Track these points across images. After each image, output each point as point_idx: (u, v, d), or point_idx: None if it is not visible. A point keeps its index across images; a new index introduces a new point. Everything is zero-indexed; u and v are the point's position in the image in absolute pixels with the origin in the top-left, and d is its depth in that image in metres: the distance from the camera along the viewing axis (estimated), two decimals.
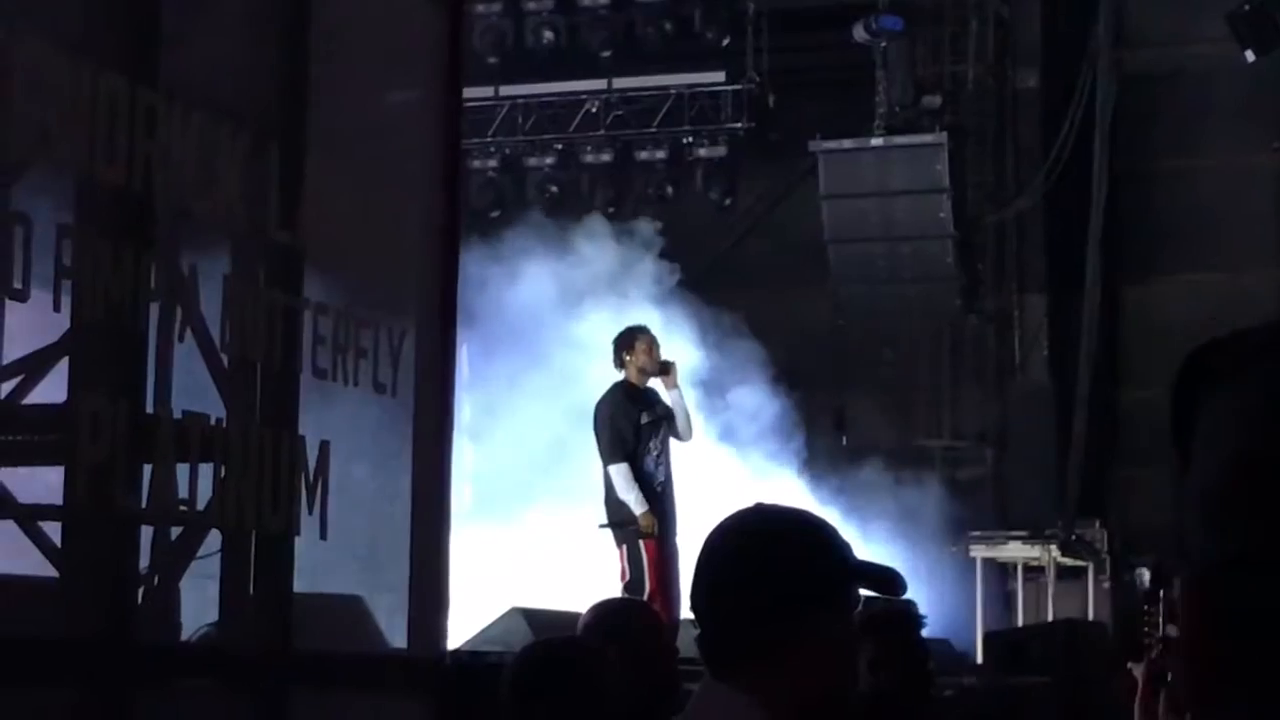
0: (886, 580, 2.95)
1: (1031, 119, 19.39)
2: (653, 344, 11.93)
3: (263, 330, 5.34)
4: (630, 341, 11.89)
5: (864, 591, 3.06)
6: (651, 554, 11.73)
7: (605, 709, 4.80)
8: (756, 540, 2.89)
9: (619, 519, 11.73)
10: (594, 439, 11.98)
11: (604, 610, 5.78)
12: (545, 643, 4.96)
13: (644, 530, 11.59)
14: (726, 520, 2.94)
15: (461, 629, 10.62)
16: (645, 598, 11.52)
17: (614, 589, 12.03)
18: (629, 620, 5.63)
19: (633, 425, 11.72)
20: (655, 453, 11.84)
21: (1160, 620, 4.90)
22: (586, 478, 15.46)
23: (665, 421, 11.96)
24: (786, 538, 2.89)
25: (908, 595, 3.55)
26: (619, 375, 12.01)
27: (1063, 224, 19.20)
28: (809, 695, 2.83)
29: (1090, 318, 18.89)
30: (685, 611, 11.11)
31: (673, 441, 12.08)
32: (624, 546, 11.79)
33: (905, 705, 6.68)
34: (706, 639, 2.88)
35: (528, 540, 14.74)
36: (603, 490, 11.94)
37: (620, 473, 11.68)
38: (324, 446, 5.55)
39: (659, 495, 11.77)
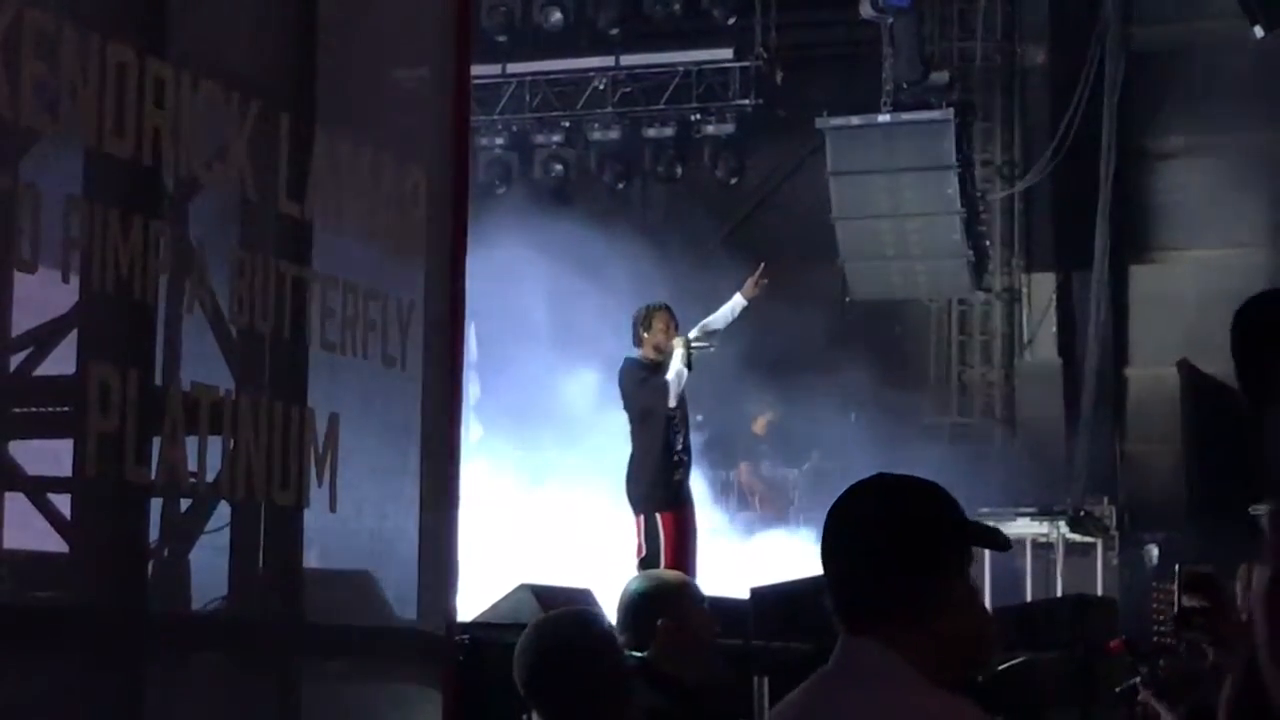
0: (997, 538, 3.22)
1: (1039, 96, 19.37)
2: (670, 323, 12.14)
3: (272, 302, 5.32)
4: (649, 320, 12.11)
5: None
6: (669, 528, 11.79)
7: (616, 682, 4.84)
8: (886, 505, 3.13)
9: (642, 489, 11.86)
10: (623, 413, 12.22)
11: (657, 582, 5.80)
12: (558, 616, 4.99)
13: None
14: (853, 488, 3.19)
15: (471, 605, 10.64)
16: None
17: (627, 564, 12.07)
18: (683, 593, 5.67)
19: (659, 395, 11.96)
20: (675, 425, 12.06)
21: (1176, 596, 4.90)
22: (600, 456, 15.46)
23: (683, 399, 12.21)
24: (913, 501, 3.13)
25: None
26: (634, 352, 12.24)
27: (1071, 201, 19.19)
28: (950, 645, 3.04)
29: (1098, 294, 18.88)
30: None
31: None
32: (641, 518, 11.88)
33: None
34: (843, 600, 3.10)
35: (537, 516, 14.76)
36: (625, 465, 12.11)
37: (676, 376, 11.92)
38: (333, 419, 5.53)
39: (677, 465, 11.96)
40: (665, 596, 5.67)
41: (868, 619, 3.05)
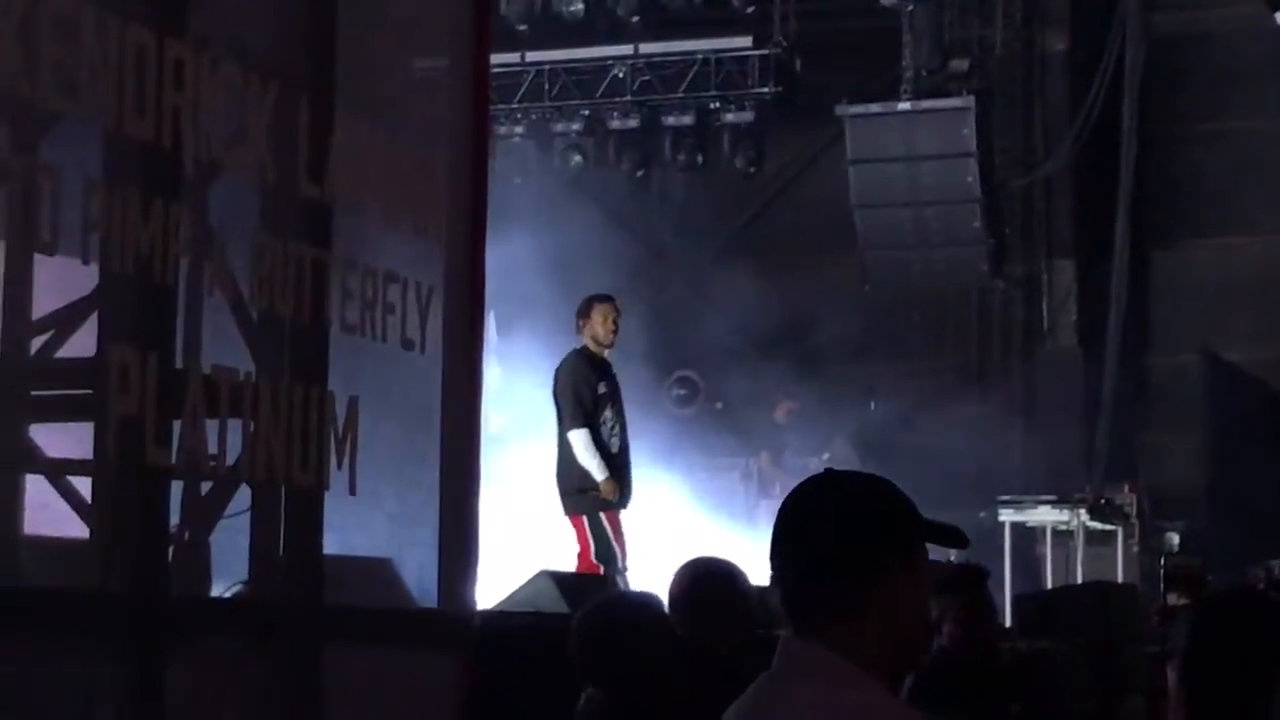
0: (952, 535, 3.15)
1: (1060, 82, 19.31)
2: (609, 314, 11.87)
3: (291, 285, 5.32)
4: (588, 310, 11.88)
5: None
6: (613, 523, 11.71)
7: (672, 662, 4.96)
8: (833, 501, 3.08)
9: (578, 487, 11.68)
10: (553, 405, 11.96)
11: (703, 570, 5.83)
12: (620, 597, 5.12)
13: (605, 496, 11.61)
14: (801, 485, 3.12)
15: (490, 592, 10.64)
16: (621, 568, 11.55)
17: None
18: (733, 580, 5.72)
19: (591, 392, 11.73)
20: (610, 424, 11.84)
21: (1161, 592, 4.93)
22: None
23: (620, 393, 11.96)
24: (861, 497, 3.08)
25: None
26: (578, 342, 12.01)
27: (1091, 188, 19.14)
28: (891, 644, 3.02)
29: (1119, 282, 18.83)
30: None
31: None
32: (583, 517, 11.69)
33: (978, 661, 6.70)
34: (790, 598, 3.07)
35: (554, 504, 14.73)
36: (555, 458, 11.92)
37: (581, 438, 11.68)
38: (353, 402, 5.54)
39: (612, 466, 11.75)
40: (724, 583, 5.73)
41: (811, 617, 3.04)
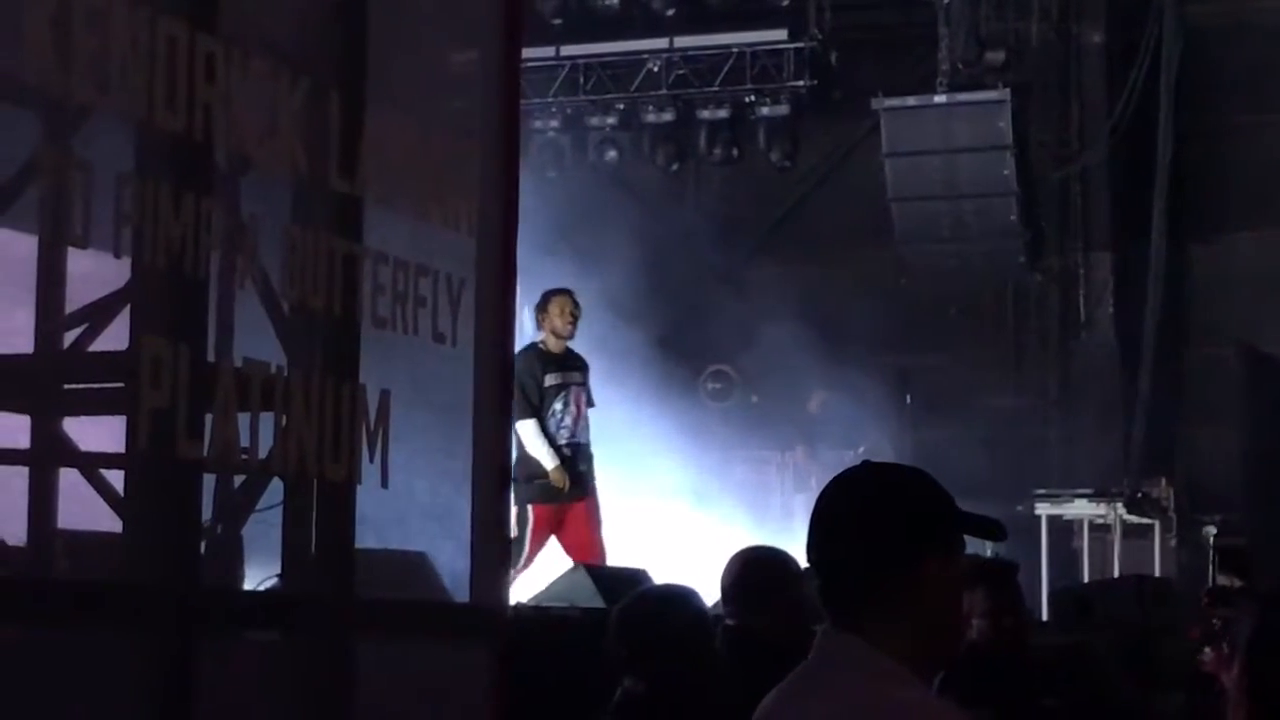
0: (990, 527, 3.18)
1: (1096, 74, 19.24)
2: (565, 305, 11.99)
3: (323, 278, 5.32)
4: (545, 304, 12.02)
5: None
6: (538, 520, 11.80)
7: (713, 652, 4.99)
8: (871, 492, 3.09)
9: (525, 475, 11.76)
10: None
11: (754, 558, 5.85)
12: (663, 590, 5.15)
13: (555, 484, 11.80)
14: (839, 477, 3.14)
15: (526, 585, 10.66)
16: (522, 562, 11.59)
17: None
18: (784, 568, 5.74)
19: (537, 385, 11.85)
20: (558, 415, 11.94)
21: (1210, 573, 4.91)
22: (655, 442, 15.46)
23: (576, 387, 12.05)
24: (899, 488, 3.09)
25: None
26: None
27: (1128, 180, 19.07)
28: (928, 636, 3.03)
29: (1156, 274, 18.76)
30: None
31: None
32: (517, 507, 11.78)
33: (1008, 655, 6.68)
34: (827, 589, 3.09)
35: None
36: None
37: (526, 429, 11.82)
38: (384, 395, 5.54)
39: (560, 457, 11.88)
40: (777, 571, 5.76)
41: (849, 609, 3.05)
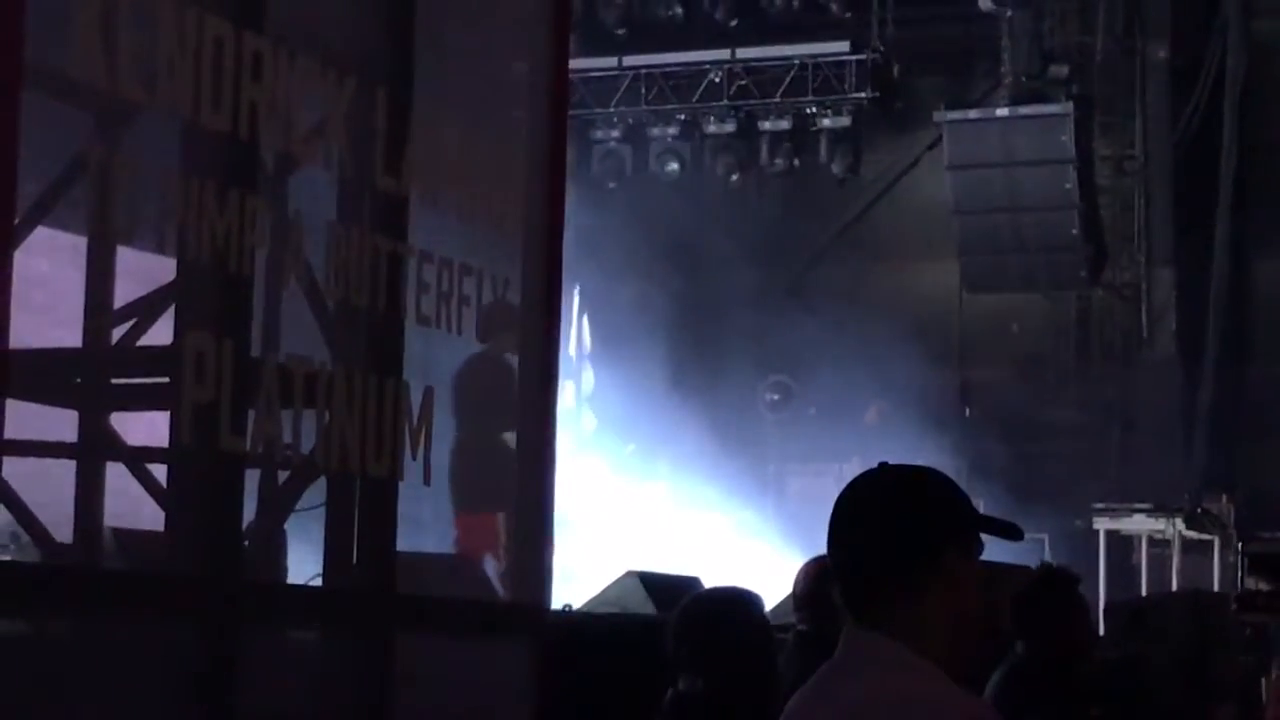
0: (1007, 528, 3.18)
1: (1160, 89, 19.15)
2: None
3: (367, 276, 5.37)
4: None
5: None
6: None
7: (772, 654, 5.02)
8: (890, 491, 3.13)
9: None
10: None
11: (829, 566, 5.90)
12: (722, 593, 5.19)
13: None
14: (858, 479, 3.17)
15: (580, 591, 10.68)
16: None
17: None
18: None
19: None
20: None
21: (1240, 577, 4.88)
22: (713, 453, 15.47)
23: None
24: (918, 486, 3.14)
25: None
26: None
27: (1192, 195, 18.97)
28: (950, 631, 3.07)
29: (1219, 290, 18.65)
30: None
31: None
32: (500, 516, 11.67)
33: (1059, 665, 6.66)
34: (850, 587, 3.13)
35: (647, 507, 14.78)
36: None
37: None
38: (427, 393, 5.58)
39: None
40: None
41: (872, 606, 3.09)
